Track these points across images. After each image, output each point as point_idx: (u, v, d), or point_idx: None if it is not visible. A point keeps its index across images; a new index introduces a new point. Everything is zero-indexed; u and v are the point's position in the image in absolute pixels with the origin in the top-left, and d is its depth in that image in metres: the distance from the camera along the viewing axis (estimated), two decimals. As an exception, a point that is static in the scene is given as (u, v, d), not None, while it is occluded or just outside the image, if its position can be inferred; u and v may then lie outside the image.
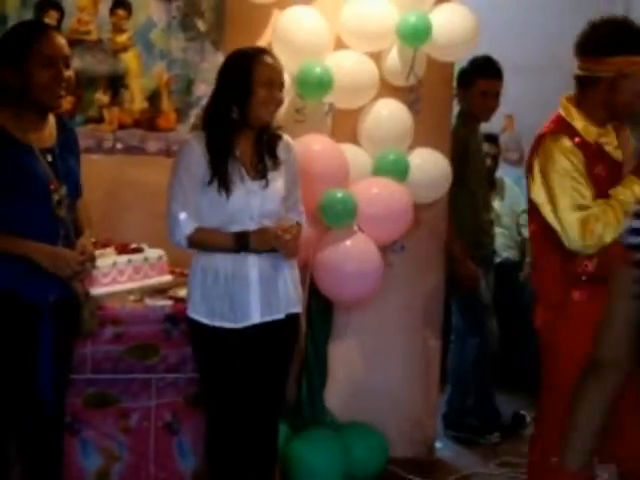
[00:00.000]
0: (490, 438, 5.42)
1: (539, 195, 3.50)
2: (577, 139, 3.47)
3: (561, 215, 3.42)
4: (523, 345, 5.87)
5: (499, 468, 4.96)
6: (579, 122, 3.51)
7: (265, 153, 3.66)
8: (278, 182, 3.67)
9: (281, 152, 3.70)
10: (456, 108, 5.34)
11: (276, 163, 3.67)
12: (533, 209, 3.58)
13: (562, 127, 3.51)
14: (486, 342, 5.44)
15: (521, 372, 5.79)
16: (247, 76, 3.55)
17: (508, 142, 7.30)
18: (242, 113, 3.58)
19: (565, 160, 3.43)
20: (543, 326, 3.65)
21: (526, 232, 6.37)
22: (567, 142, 3.45)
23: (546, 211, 3.48)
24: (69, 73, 3.35)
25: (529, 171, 3.57)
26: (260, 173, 3.62)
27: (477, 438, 5.41)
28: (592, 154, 3.48)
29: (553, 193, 3.44)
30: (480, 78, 5.36)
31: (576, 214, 3.39)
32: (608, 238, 3.36)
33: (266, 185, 3.62)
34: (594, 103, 3.50)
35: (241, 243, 3.57)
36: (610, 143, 3.55)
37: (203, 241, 3.61)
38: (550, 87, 7.12)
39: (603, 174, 3.48)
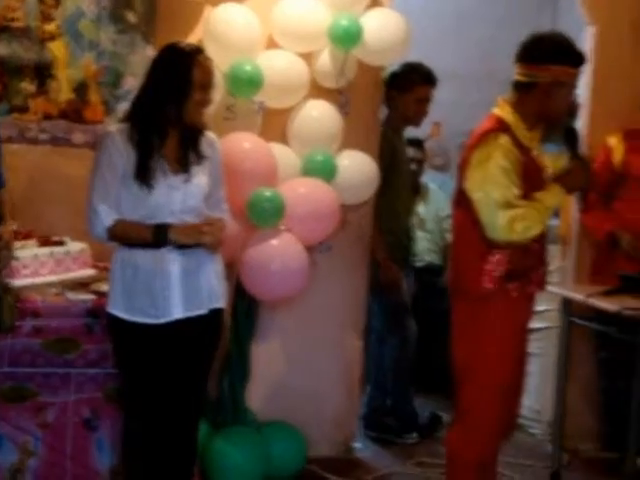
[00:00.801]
0: (407, 438, 5.42)
1: (473, 185, 3.63)
2: (514, 139, 3.64)
3: (490, 208, 3.57)
4: (442, 348, 5.89)
5: (416, 467, 4.97)
6: (514, 123, 3.68)
7: (189, 148, 3.61)
8: (201, 178, 3.61)
9: (205, 148, 3.64)
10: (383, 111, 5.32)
11: (199, 157, 3.61)
12: (463, 198, 3.69)
13: (501, 126, 3.66)
14: (405, 343, 5.44)
15: (439, 374, 5.78)
16: (185, 78, 3.50)
17: (434, 148, 7.31)
18: (175, 112, 3.53)
19: (503, 158, 3.58)
20: (458, 318, 3.79)
21: (449, 237, 6.40)
22: (507, 141, 3.62)
23: (476, 201, 3.61)
24: None
25: (465, 163, 3.69)
26: (183, 167, 3.57)
27: (395, 438, 5.41)
28: (525, 156, 3.66)
29: (487, 186, 3.58)
30: (418, 85, 5.34)
31: (505, 211, 3.54)
32: (529, 236, 3.60)
33: (188, 179, 3.56)
34: (529, 107, 3.70)
35: (160, 235, 3.49)
36: (536, 148, 3.74)
37: (122, 233, 3.53)
38: (478, 95, 7.22)
39: (529, 176, 3.64)
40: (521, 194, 3.59)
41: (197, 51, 3.58)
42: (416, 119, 5.43)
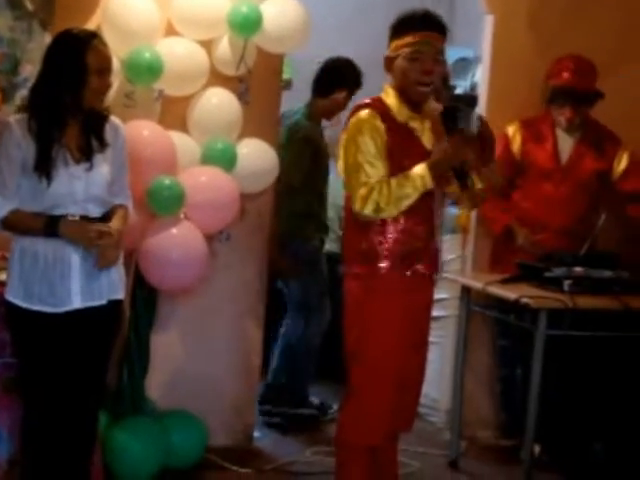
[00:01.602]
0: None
1: (342, 164, 3.76)
2: (387, 118, 3.68)
3: (352, 185, 3.68)
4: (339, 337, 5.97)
5: (315, 456, 5.02)
6: (393, 102, 3.73)
7: (92, 135, 3.60)
8: (103, 166, 3.61)
9: (108, 134, 3.65)
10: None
11: (102, 145, 3.61)
12: None
13: (376, 105, 3.73)
14: (313, 326, 5.58)
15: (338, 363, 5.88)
16: (80, 64, 3.49)
17: (333, 137, 7.36)
18: (73, 100, 3.52)
19: (369, 138, 3.65)
20: (349, 298, 3.84)
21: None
22: (375, 121, 3.67)
23: (345, 178, 3.75)
24: None
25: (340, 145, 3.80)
26: (85, 156, 3.56)
27: (288, 410, 5.57)
28: (401, 134, 3.70)
29: (350, 166, 3.68)
30: (348, 89, 5.56)
31: (361, 188, 3.63)
32: (382, 215, 3.66)
33: (90, 168, 3.56)
34: (395, 86, 3.76)
35: (50, 228, 3.49)
36: (418, 129, 3.76)
37: (16, 224, 3.53)
38: (378, 84, 7.31)
39: (408, 155, 3.69)
40: (387, 172, 3.65)
41: (91, 36, 3.57)
42: (334, 116, 5.71)
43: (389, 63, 3.74)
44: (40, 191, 3.48)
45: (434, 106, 3.80)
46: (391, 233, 3.71)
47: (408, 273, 3.74)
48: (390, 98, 3.74)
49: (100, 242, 3.52)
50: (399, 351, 3.72)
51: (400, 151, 3.68)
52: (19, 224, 3.53)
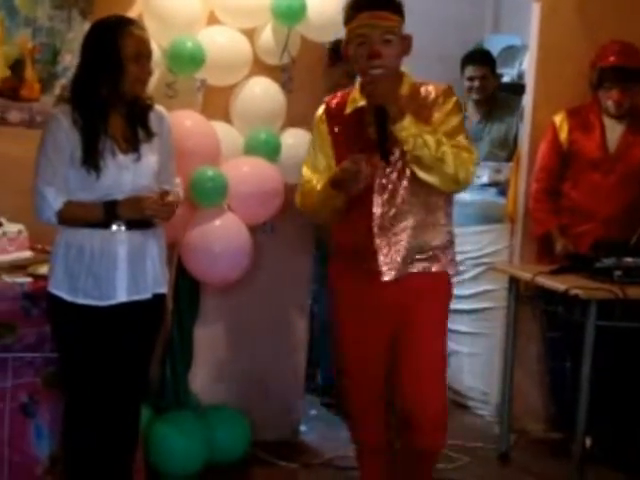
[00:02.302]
0: None
1: None
2: (337, 114, 3.63)
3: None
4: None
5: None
6: (357, 92, 3.61)
7: (137, 125, 3.56)
8: (151, 156, 3.58)
9: (154, 123, 3.61)
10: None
11: (149, 134, 3.58)
12: None
13: (334, 100, 3.71)
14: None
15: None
16: (115, 51, 3.44)
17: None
18: (113, 89, 3.48)
19: (315, 129, 3.72)
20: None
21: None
22: (319, 123, 3.70)
23: None
24: None
25: None
26: (132, 146, 3.53)
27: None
28: (350, 127, 3.61)
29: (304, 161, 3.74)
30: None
31: (302, 185, 3.71)
32: (306, 213, 3.77)
33: (138, 158, 3.53)
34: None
35: (110, 212, 3.47)
36: (369, 118, 3.56)
37: (72, 215, 3.49)
38: (424, 71, 7.20)
39: (352, 148, 3.54)
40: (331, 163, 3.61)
41: (126, 22, 3.52)
42: None
43: (345, 52, 3.57)
44: (89, 183, 3.46)
45: (427, 89, 3.60)
46: (337, 230, 3.70)
47: (353, 270, 3.66)
48: (356, 88, 3.63)
49: (162, 214, 3.53)
50: (351, 344, 3.73)
51: (346, 145, 3.58)
52: (74, 215, 3.50)
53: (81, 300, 3.50)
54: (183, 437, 4.37)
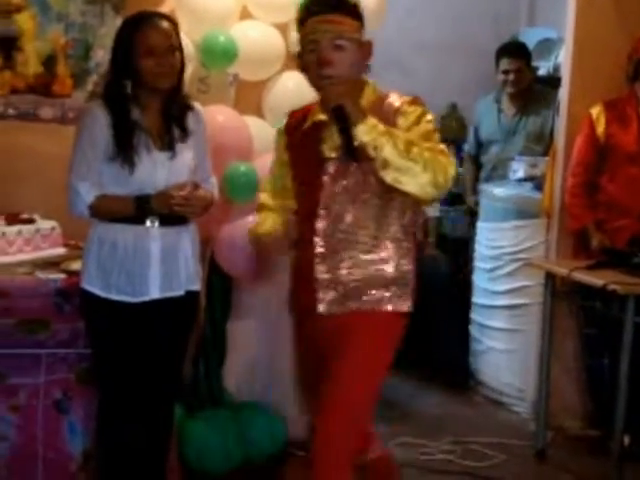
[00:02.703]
0: None
1: None
2: (297, 127, 3.31)
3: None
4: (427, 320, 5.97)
5: (397, 447, 4.89)
6: (317, 103, 3.29)
7: (173, 123, 3.57)
8: (186, 153, 3.58)
9: (190, 122, 3.61)
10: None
11: (185, 135, 3.58)
12: None
13: (298, 112, 3.41)
14: None
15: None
16: (128, 48, 3.46)
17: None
18: (135, 84, 3.49)
19: (275, 144, 3.44)
20: None
21: (429, 211, 6.40)
22: (279, 138, 3.41)
23: None
24: None
25: None
26: (167, 145, 3.53)
27: None
28: (305, 142, 3.28)
29: None
30: None
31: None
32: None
33: (173, 156, 3.53)
34: None
35: (142, 206, 3.46)
36: (326, 132, 3.23)
37: (105, 209, 3.50)
38: (455, 66, 7.20)
39: (302, 165, 3.31)
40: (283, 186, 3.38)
41: (145, 16, 3.52)
42: None
43: (299, 61, 3.23)
44: (123, 177, 3.47)
45: (389, 100, 3.19)
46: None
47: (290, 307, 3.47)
48: (317, 101, 3.29)
49: (191, 209, 3.52)
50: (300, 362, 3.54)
51: (301, 163, 3.30)
52: (106, 209, 3.51)
53: (114, 296, 3.51)
54: (217, 435, 4.37)
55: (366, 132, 2.99)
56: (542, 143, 6.04)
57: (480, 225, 6.00)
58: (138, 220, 3.49)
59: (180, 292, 3.61)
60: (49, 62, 4.36)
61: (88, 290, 3.54)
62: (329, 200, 3.19)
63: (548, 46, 6.93)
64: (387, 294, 3.23)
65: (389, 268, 3.22)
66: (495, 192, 5.84)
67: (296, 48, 3.22)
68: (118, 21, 4.24)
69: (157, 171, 3.50)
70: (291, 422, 4.67)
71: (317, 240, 3.20)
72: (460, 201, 6.79)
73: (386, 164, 3.01)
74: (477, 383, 5.93)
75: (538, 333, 5.16)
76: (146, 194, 3.47)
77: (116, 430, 3.61)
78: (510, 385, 5.65)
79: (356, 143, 3.01)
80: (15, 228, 3.90)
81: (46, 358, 3.82)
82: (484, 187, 6.11)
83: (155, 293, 3.54)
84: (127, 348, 3.54)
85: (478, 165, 6.53)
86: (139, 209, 3.47)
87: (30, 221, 4.01)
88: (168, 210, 3.48)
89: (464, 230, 6.71)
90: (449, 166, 3.05)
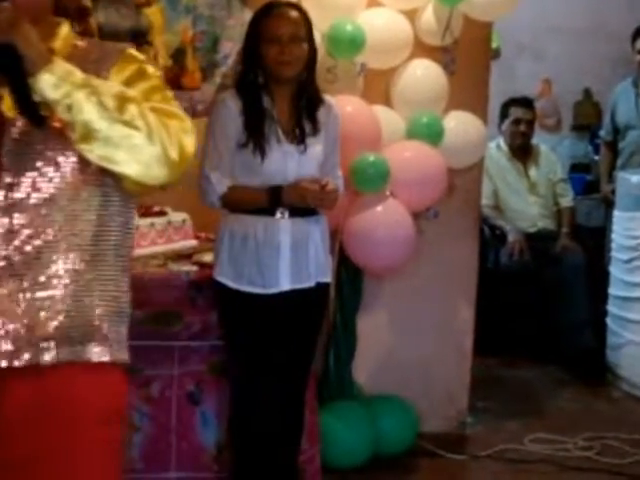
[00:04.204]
0: None
1: None
2: None
3: None
4: (555, 314, 5.95)
5: (533, 444, 4.89)
6: None
7: (304, 116, 3.63)
8: (317, 146, 3.64)
9: (321, 116, 3.66)
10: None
11: (315, 128, 3.63)
12: None
13: None
14: None
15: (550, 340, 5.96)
16: (256, 36, 3.55)
17: (545, 107, 7.22)
18: (265, 75, 3.57)
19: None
20: None
21: (563, 201, 6.36)
22: None
23: None
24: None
25: None
26: (298, 138, 3.60)
27: None
28: None
29: None
30: None
31: None
32: None
33: (304, 151, 3.59)
34: None
35: (274, 197, 3.53)
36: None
37: (236, 199, 3.58)
38: (589, 50, 7.12)
39: None
40: None
41: (272, 5, 3.60)
42: None
43: None
44: (254, 167, 3.54)
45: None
46: None
47: None
48: None
49: (327, 202, 3.58)
50: None
51: None
52: (238, 199, 3.58)
53: (245, 288, 3.58)
54: (349, 428, 4.42)
55: (53, 83, 2.08)
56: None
57: (617, 214, 5.94)
58: (268, 211, 3.55)
59: (310, 284, 3.66)
60: (178, 55, 4.46)
61: (220, 282, 3.61)
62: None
63: None
64: (106, 336, 2.27)
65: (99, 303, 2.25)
66: (633, 180, 5.77)
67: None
68: (245, 13, 4.35)
69: (287, 163, 3.56)
70: (422, 415, 4.73)
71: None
72: (595, 189, 6.74)
73: (88, 133, 2.12)
74: (615, 377, 5.86)
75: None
76: (278, 185, 3.53)
77: (248, 422, 3.67)
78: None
79: (37, 99, 2.11)
80: (148, 220, 3.98)
81: (179, 350, 3.91)
82: (621, 174, 6.05)
83: (285, 285, 3.60)
84: (259, 340, 3.60)
85: (615, 152, 6.47)
86: (271, 200, 3.53)
87: (162, 213, 4.09)
88: (302, 202, 3.54)
89: (600, 220, 6.66)
90: (185, 135, 2.23)
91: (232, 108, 3.55)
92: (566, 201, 6.44)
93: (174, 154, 2.18)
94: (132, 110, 2.13)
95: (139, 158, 2.14)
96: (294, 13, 3.58)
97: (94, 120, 2.10)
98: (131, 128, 2.12)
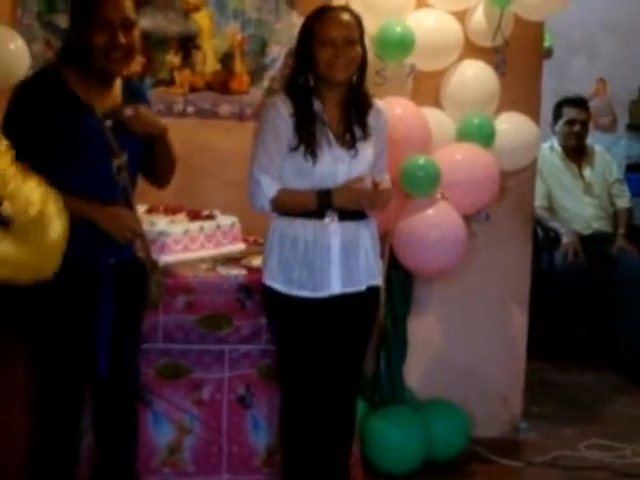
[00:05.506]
0: None
1: None
2: None
3: None
4: (611, 317, 5.95)
5: (588, 450, 4.90)
6: None
7: (354, 120, 3.67)
8: (367, 150, 3.68)
9: (372, 120, 3.70)
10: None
11: (365, 133, 3.67)
12: None
13: None
14: None
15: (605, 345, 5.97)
16: (309, 38, 3.59)
17: (599, 107, 7.22)
18: (316, 78, 3.62)
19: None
20: None
21: (620, 202, 6.35)
22: None
23: None
24: (129, 38, 3.30)
25: None
26: (348, 143, 3.64)
27: None
28: None
29: None
30: None
31: None
32: None
33: (355, 155, 3.63)
34: None
35: (324, 200, 3.57)
36: None
37: (286, 203, 3.62)
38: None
39: None
40: None
41: (324, 9, 3.66)
42: None
43: None
44: (305, 170, 3.58)
45: None
46: None
47: None
48: None
49: (377, 203, 3.61)
50: None
51: None
52: (288, 202, 3.62)
53: (295, 291, 3.62)
54: (401, 432, 4.46)
55: None
56: None
57: (674, 215, 5.95)
58: (317, 215, 3.60)
59: (361, 287, 3.70)
60: (226, 59, 4.56)
61: (270, 286, 3.66)
62: None
63: None
64: None
65: None
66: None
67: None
68: (293, 16, 4.43)
69: (338, 166, 3.59)
70: (475, 420, 4.76)
71: None
72: (652, 190, 6.73)
73: None
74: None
75: None
76: (328, 189, 3.57)
77: (299, 426, 3.72)
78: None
79: None
80: (197, 225, 4.03)
81: (229, 354, 3.99)
82: (678, 175, 6.06)
83: (336, 288, 3.64)
84: (309, 344, 3.65)
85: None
86: (321, 203, 3.57)
87: (211, 217, 4.13)
88: (352, 205, 3.58)
89: (656, 221, 6.65)
90: None
91: (283, 111, 3.59)
92: (623, 202, 6.44)
93: None
94: None
95: None
96: (347, 16, 3.63)
97: None
98: None
